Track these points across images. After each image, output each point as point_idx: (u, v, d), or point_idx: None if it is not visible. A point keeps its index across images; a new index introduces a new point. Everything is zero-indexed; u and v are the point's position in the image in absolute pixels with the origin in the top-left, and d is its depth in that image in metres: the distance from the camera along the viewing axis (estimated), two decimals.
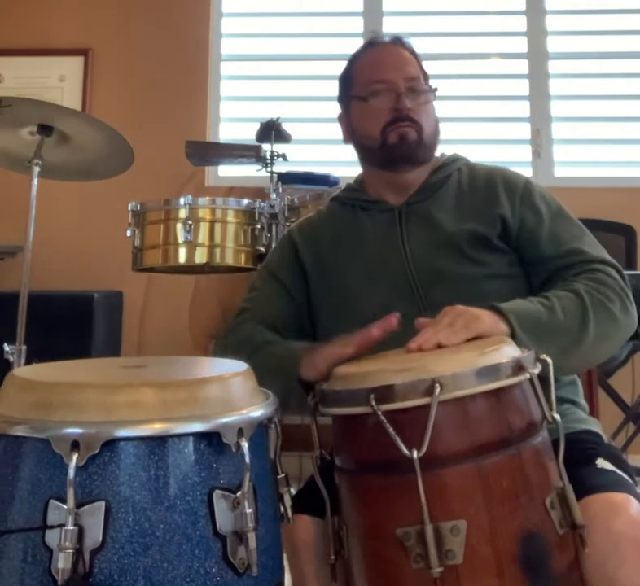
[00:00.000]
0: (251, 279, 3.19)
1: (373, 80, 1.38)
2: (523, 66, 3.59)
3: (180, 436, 0.89)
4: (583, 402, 1.35)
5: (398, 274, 1.34)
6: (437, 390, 0.90)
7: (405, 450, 0.89)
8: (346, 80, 1.45)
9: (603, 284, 1.24)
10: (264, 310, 1.40)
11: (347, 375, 1.02)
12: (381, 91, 1.37)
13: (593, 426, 1.30)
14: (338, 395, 0.99)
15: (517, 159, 3.46)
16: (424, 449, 0.89)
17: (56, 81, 3.59)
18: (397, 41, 1.43)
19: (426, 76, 1.42)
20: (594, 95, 3.60)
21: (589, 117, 3.60)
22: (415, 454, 0.89)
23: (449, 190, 1.40)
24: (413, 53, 1.42)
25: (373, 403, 0.92)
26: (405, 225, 1.38)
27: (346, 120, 1.46)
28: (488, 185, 1.39)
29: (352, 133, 1.45)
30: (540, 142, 3.52)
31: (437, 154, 1.46)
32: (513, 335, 1.11)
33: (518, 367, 0.96)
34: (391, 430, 0.91)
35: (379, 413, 0.91)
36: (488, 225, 1.34)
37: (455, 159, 1.47)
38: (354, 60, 1.45)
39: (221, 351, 1.37)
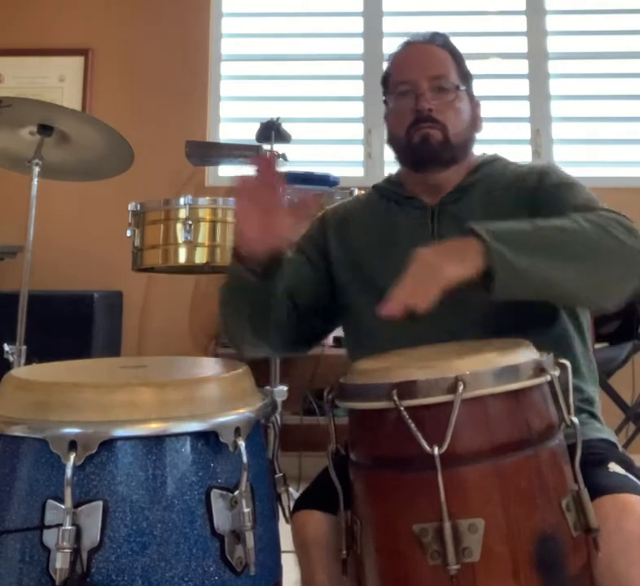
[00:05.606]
0: None
1: (398, 81, 1.37)
2: (523, 66, 3.59)
3: (177, 436, 0.90)
4: (601, 417, 1.34)
5: None
6: (461, 387, 0.90)
7: (426, 446, 0.89)
8: (384, 82, 1.44)
9: (599, 215, 1.18)
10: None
11: (368, 370, 1.01)
12: (405, 92, 1.35)
13: (609, 435, 1.30)
14: (358, 390, 0.98)
15: (517, 160, 3.45)
16: (445, 446, 0.89)
17: (56, 81, 3.58)
18: (432, 39, 1.40)
19: (464, 75, 1.38)
20: (594, 95, 3.60)
21: (589, 117, 3.60)
22: (436, 451, 0.88)
23: (482, 191, 1.38)
24: (450, 50, 1.39)
25: (395, 398, 0.91)
26: (437, 224, 1.37)
27: (386, 121, 1.45)
28: (517, 181, 1.38)
29: (387, 134, 1.44)
30: (540, 142, 3.52)
31: (478, 154, 1.44)
32: (487, 249, 1.06)
33: (539, 369, 0.96)
34: (413, 426, 0.90)
35: (402, 408, 0.91)
36: None
37: (494, 159, 1.45)
38: (389, 62, 1.43)
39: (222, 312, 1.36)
